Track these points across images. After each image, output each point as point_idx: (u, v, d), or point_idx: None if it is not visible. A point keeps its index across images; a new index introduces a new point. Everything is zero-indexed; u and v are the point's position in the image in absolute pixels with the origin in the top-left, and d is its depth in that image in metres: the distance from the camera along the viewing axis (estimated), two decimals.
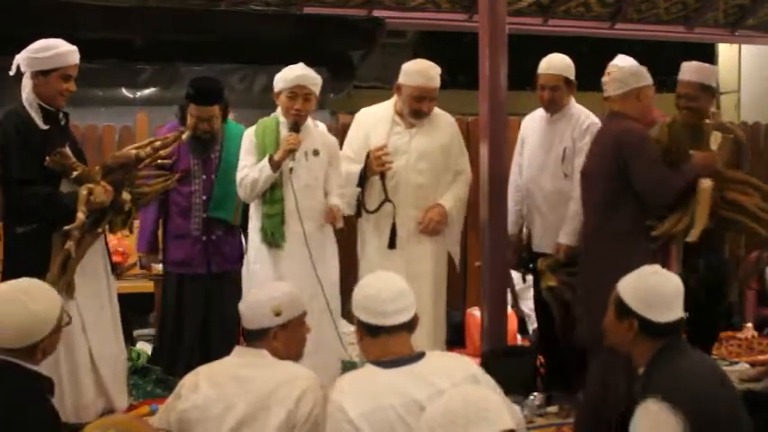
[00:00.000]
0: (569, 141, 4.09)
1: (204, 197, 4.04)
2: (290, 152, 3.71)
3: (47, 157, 3.26)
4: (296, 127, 3.77)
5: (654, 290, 2.37)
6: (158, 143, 3.41)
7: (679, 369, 2.31)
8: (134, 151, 3.35)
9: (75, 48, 3.49)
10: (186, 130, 3.79)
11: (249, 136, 3.91)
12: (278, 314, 2.53)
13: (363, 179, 3.97)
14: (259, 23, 6.67)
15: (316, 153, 3.83)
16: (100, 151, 5.78)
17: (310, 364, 3.51)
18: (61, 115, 3.56)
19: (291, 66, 3.82)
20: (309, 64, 3.90)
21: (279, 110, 3.88)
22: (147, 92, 7.16)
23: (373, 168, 3.93)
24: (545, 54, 4.16)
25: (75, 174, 3.21)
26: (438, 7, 6.81)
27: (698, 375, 2.32)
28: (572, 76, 4.13)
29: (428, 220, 3.99)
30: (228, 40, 6.91)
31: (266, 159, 3.73)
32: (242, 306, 2.58)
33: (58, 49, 3.41)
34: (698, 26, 7.42)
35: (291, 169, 3.74)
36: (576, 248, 3.92)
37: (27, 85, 3.44)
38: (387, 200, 3.96)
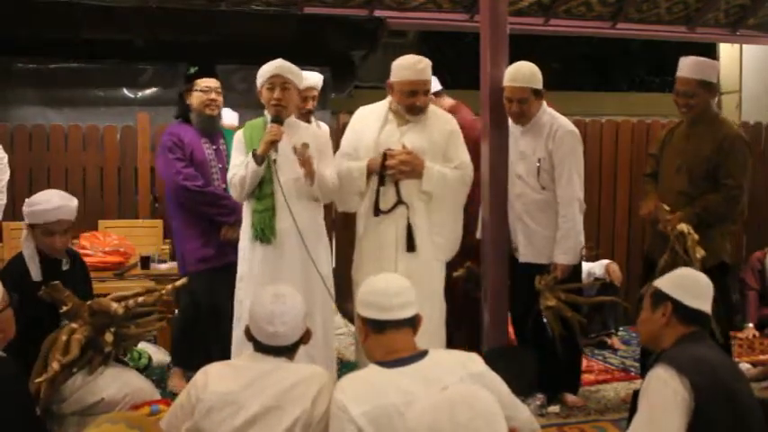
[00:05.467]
0: (543, 152, 3.99)
1: (224, 185, 4.11)
2: (272, 143, 3.66)
3: (42, 289, 3.25)
4: (278, 119, 3.73)
5: (689, 278, 2.56)
6: (140, 299, 3.29)
7: (696, 350, 2.41)
8: (114, 305, 3.25)
9: (63, 204, 3.41)
10: (164, 294, 3.44)
11: (238, 136, 3.89)
12: (307, 325, 2.58)
13: (382, 178, 3.87)
14: (259, 23, 6.67)
15: (305, 146, 3.81)
16: (101, 151, 5.80)
17: (320, 358, 3.56)
18: (64, 261, 3.53)
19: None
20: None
21: (266, 110, 3.86)
22: (148, 92, 7.17)
23: (391, 173, 3.85)
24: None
25: (64, 309, 3.23)
26: (439, 7, 6.81)
27: (713, 359, 2.40)
28: (540, 86, 3.98)
29: (398, 152, 3.82)
30: (229, 40, 6.91)
31: (250, 155, 3.71)
32: (279, 328, 2.47)
33: (41, 206, 3.37)
34: (699, 26, 7.42)
35: (275, 161, 3.68)
36: (572, 267, 3.97)
37: (24, 233, 3.42)
38: (400, 201, 3.88)
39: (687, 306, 2.48)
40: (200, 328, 4.18)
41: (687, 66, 3.95)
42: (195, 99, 4.17)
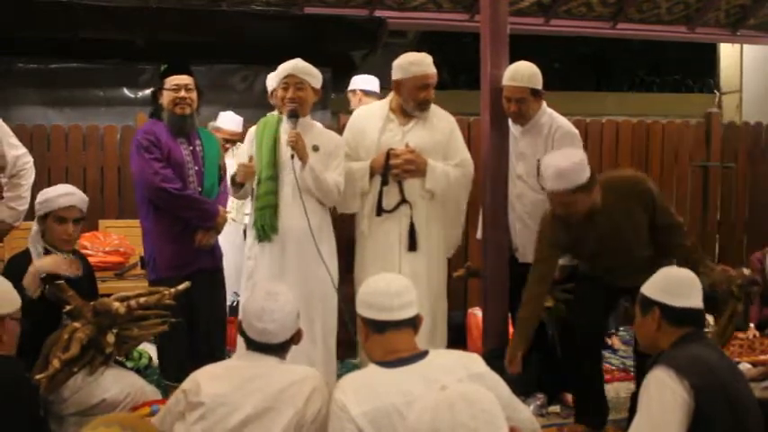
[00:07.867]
0: (543, 153, 3.96)
1: (200, 188, 3.97)
2: (293, 149, 3.68)
3: (45, 287, 3.32)
4: (294, 114, 3.74)
5: (671, 278, 2.54)
6: (142, 299, 3.28)
7: (695, 351, 2.41)
8: (116, 304, 3.22)
9: (76, 192, 3.58)
10: (167, 295, 3.40)
11: (250, 133, 3.94)
12: (299, 326, 2.59)
13: (386, 177, 3.89)
14: (260, 23, 6.67)
15: (315, 149, 3.80)
16: (102, 151, 5.80)
17: (319, 358, 3.55)
18: None
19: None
20: (310, 64, 3.90)
21: (282, 110, 3.86)
22: (148, 92, 7.13)
23: (395, 173, 3.88)
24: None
25: (67, 308, 3.24)
26: (439, 7, 6.81)
27: (712, 359, 2.40)
28: (539, 86, 3.98)
29: (402, 152, 3.86)
30: (229, 40, 6.92)
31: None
32: (268, 324, 2.48)
33: (55, 192, 3.52)
34: (699, 26, 7.41)
35: (293, 156, 3.69)
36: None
37: (33, 229, 3.51)
38: (403, 200, 3.90)
39: (674, 307, 2.49)
40: (183, 337, 3.90)
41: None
42: (165, 97, 3.93)
